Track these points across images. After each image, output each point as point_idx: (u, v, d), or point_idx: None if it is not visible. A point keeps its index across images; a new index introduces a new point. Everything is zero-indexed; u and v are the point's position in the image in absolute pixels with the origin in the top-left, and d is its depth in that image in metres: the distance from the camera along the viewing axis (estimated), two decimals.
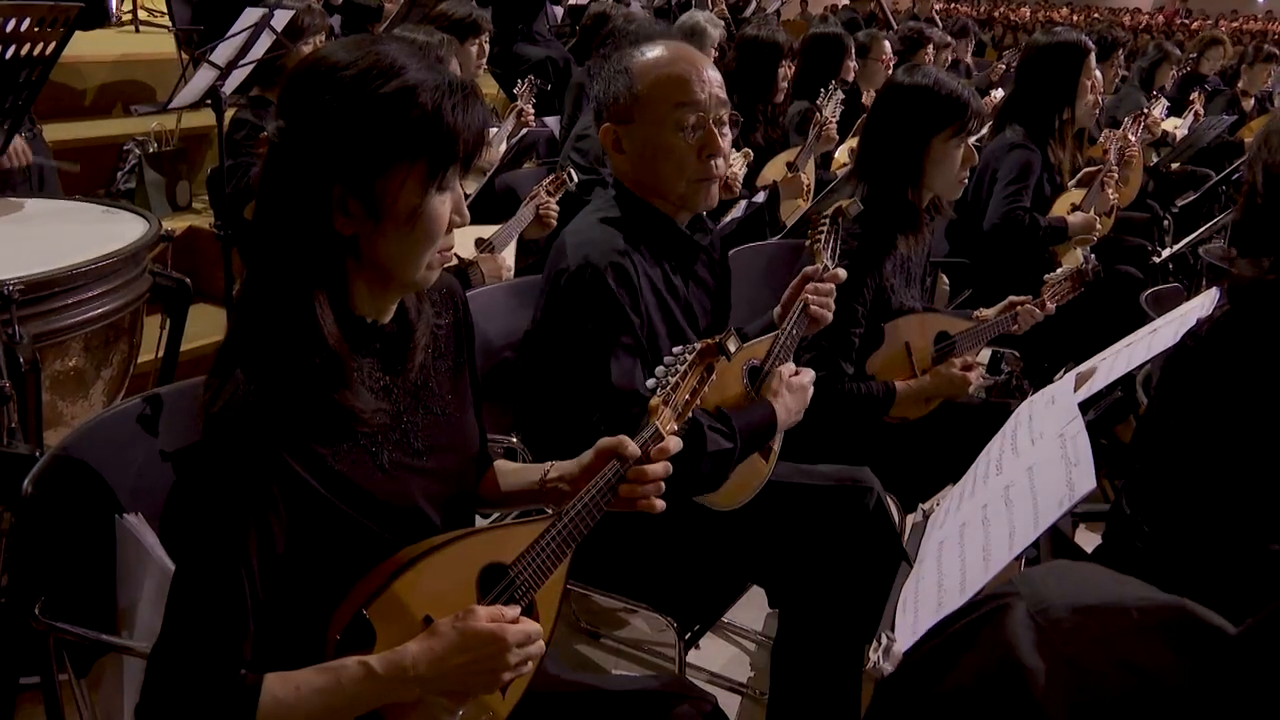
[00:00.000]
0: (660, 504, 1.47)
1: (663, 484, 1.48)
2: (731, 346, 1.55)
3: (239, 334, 1.25)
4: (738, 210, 3.54)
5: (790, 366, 1.98)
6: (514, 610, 1.30)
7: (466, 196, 1.34)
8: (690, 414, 1.54)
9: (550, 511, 1.42)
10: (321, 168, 1.20)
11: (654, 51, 1.91)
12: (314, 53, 1.28)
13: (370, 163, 1.21)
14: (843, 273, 2.05)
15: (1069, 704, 0.74)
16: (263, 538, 1.19)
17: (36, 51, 1.97)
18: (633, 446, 1.44)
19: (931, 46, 5.58)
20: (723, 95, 1.92)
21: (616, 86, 1.91)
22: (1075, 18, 23.21)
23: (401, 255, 1.26)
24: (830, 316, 2.02)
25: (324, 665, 1.22)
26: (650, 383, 1.51)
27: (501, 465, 1.63)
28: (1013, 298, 2.57)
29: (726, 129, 1.94)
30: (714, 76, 1.92)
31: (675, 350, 1.53)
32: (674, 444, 1.48)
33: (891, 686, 0.95)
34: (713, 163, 1.91)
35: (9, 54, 1.91)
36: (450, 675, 1.23)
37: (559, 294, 1.90)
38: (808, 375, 1.99)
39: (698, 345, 1.54)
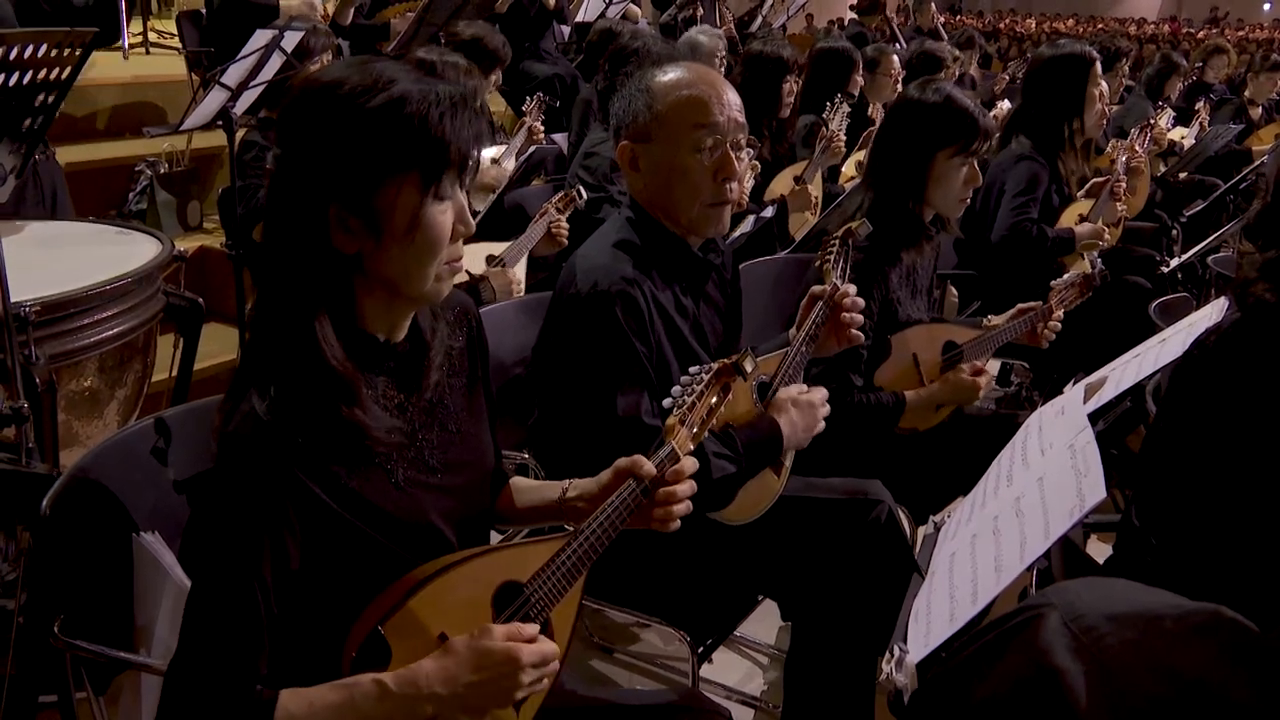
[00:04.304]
0: (677, 522, 1.49)
1: (689, 502, 1.50)
2: (748, 367, 1.56)
3: (251, 356, 1.27)
4: (746, 225, 3.55)
5: (800, 386, 1.99)
6: (531, 629, 1.30)
7: (475, 214, 1.36)
8: (706, 433, 1.55)
9: (567, 529, 1.43)
10: (316, 188, 1.22)
11: (675, 72, 1.93)
12: (311, 75, 1.29)
13: (363, 179, 1.22)
14: (855, 292, 2.06)
15: (1109, 707, 0.75)
16: (277, 554, 1.20)
17: (52, 76, 1.99)
18: (649, 466, 1.45)
19: (945, 70, 5.56)
20: (741, 119, 1.94)
21: (636, 105, 1.93)
22: (1080, 28, 23.25)
23: (407, 269, 1.26)
24: (863, 336, 2.04)
25: (339, 682, 1.23)
26: (667, 402, 1.53)
27: (518, 482, 1.64)
28: (1022, 305, 2.57)
29: (743, 153, 1.96)
30: (733, 100, 1.93)
31: (692, 370, 1.55)
32: (690, 464, 1.50)
33: (924, 698, 0.96)
34: (727, 186, 1.92)
35: (26, 79, 1.94)
36: (464, 694, 1.24)
37: (567, 318, 1.92)
38: (819, 393, 1.99)
39: (714, 365, 1.56)
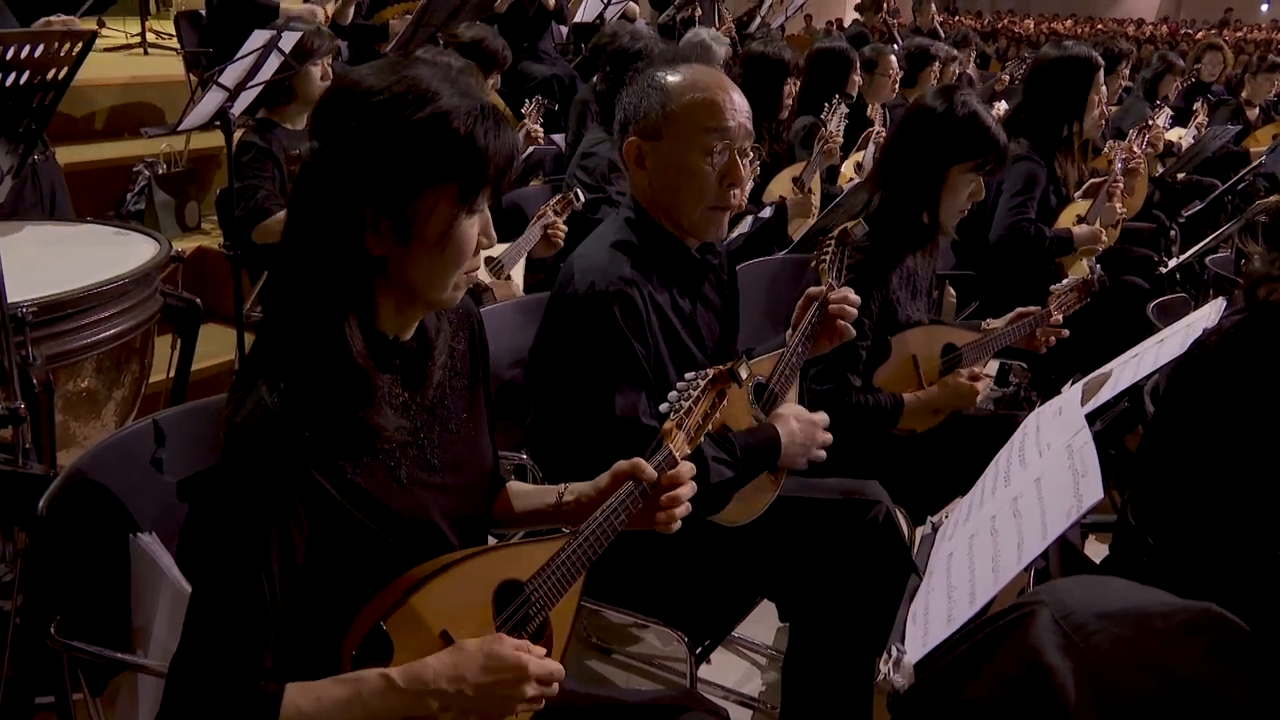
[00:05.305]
0: (679, 523, 1.51)
1: (688, 504, 1.51)
2: (743, 373, 1.59)
3: (264, 349, 1.27)
4: (744, 226, 3.55)
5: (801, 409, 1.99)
6: (540, 649, 1.32)
7: None
8: (701, 438, 1.56)
9: (566, 530, 1.44)
10: (354, 190, 1.22)
11: (690, 73, 1.93)
12: (347, 76, 1.29)
13: (403, 186, 1.22)
14: (852, 293, 2.06)
15: (1098, 704, 0.75)
16: (284, 547, 1.20)
17: (50, 76, 1.99)
18: (649, 470, 1.46)
19: (938, 63, 5.57)
20: (749, 126, 1.94)
21: (649, 102, 1.92)
22: (1079, 29, 23.25)
23: (430, 276, 1.28)
24: (854, 332, 2.05)
25: (344, 676, 1.23)
26: (664, 407, 1.54)
27: (515, 487, 1.64)
28: (1021, 309, 2.57)
29: (748, 160, 1.96)
30: (743, 105, 1.93)
31: (688, 376, 1.56)
32: (687, 468, 1.52)
33: (914, 699, 0.96)
34: (732, 191, 1.93)
35: (24, 79, 1.93)
36: (469, 694, 1.24)
37: (564, 318, 1.92)
38: (822, 417, 2.00)
39: (710, 372, 1.57)
